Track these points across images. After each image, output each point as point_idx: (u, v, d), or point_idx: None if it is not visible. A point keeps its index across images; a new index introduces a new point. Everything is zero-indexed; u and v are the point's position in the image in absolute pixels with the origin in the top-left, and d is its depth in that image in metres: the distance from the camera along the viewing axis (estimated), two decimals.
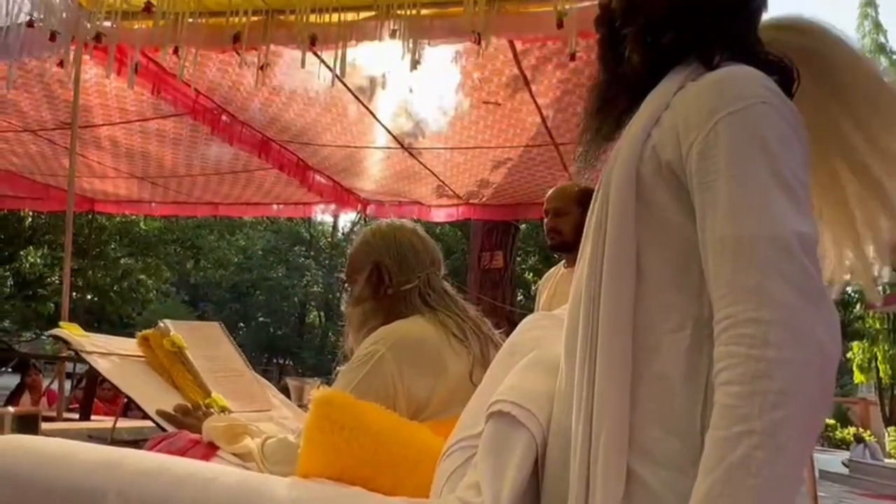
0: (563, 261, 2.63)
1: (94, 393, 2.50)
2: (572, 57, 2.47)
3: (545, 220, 2.56)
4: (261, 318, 24.74)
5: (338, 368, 1.44)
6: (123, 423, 1.63)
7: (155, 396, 1.55)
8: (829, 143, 0.89)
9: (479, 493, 0.81)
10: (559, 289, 2.56)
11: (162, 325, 1.71)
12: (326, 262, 27.01)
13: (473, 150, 4.30)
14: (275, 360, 24.38)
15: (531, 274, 14.92)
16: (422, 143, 4.23)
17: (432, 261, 1.49)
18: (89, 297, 12.40)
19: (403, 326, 1.35)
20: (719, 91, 0.77)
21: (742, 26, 0.87)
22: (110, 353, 1.63)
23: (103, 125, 4.21)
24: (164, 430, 1.43)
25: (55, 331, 1.65)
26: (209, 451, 1.29)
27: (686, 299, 0.76)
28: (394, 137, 4.13)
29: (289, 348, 25.14)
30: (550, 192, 2.62)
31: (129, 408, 5.38)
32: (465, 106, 3.69)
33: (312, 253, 27.00)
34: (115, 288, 16.67)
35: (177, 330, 1.70)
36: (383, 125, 3.95)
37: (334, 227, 28.92)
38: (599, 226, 0.80)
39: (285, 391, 2.06)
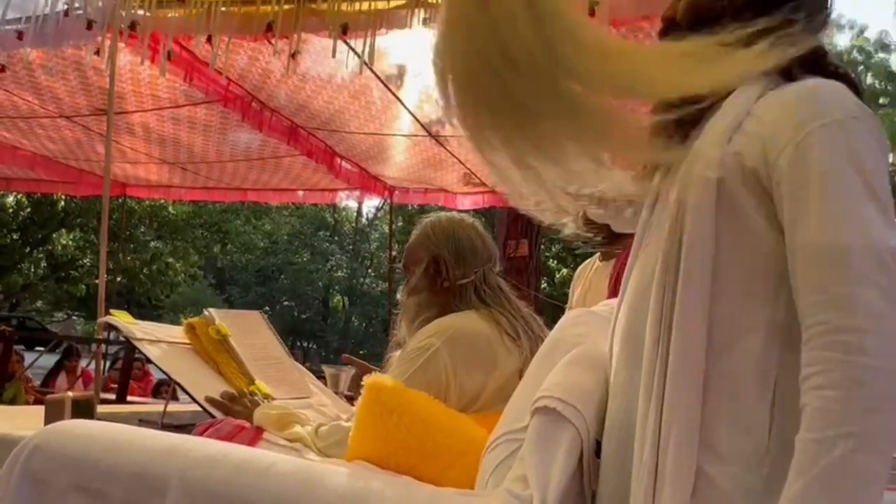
0: (598, 253, 2.62)
1: (129, 374, 2.57)
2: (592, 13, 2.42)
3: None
4: (285, 302, 25.03)
5: (390, 355, 1.47)
6: (170, 408, 1.68)
7: (202, 383, 1.59)
8: None
9: (526, 485, 0.83)
10: (594, 282, 2.54)
11: (207, 313, 1.75)
12: (350, 247, 27.18)
13: None
14: (299, 344, 24.66)
15: (555, 262, 14.88)
16: (448, 130, 4.22)
17: (489, 257, 1.51)
18: (119, 279, 12.64)
19: (459, 321, 1.37)
20: (811, 103, 0.78)
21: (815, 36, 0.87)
22: (159, 341, 1.67)
23: (136, 112, 4.27)
24: (211, 415, 1.47)
25: (107, 318, 1.69)
26: (256, 435, 1.33)
27: (760, 302, 0.77)
28: (421, 125, 4.14)
29: (313, 332, 25.43)
30: None
31: (158, 392, 5.46)
32: None
33: (336, 238, 27.18)
34: (144, 271, 16.98)
35: (221, 319, 1.74)
36: (410, 112, 3.95)
37: (358, 212, 29.05)
38: (674, 229, 0.80)
39: (320, 377, 2.09)
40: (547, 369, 0.96)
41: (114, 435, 0.99)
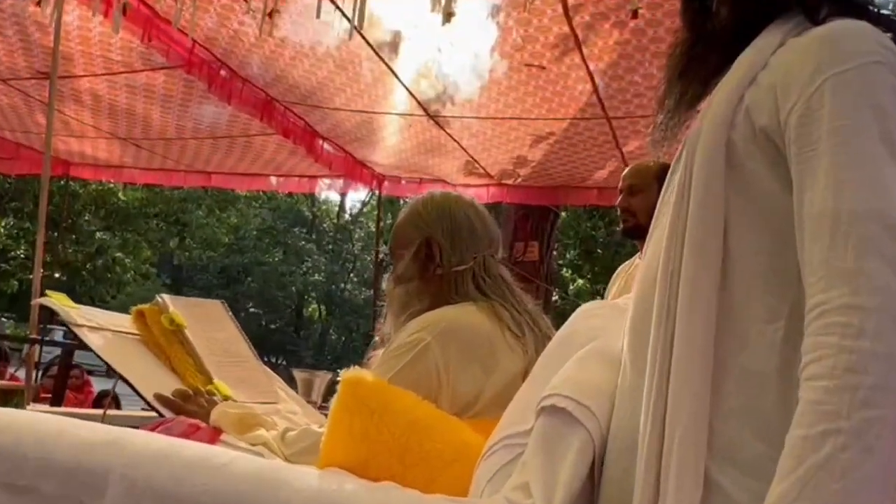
0: (638, 253, 2.65)
1: (66, 380, 2.56)
2: (634, 14, 2.46)
3: (618, 201, 2.59)
4: (252, 309, 25.01)
5: (371, 353, 1.47)
6: (114, 414, 1.69)
7: (151, 379, 1.60)
8: None
9: (527, 494, 0.83)
10: (630, 282, 2.58)
11: (160, 299, 1.75)
12: (330, 246, 27.21)
13: (510, 121, 4.30)
14: (266, 358, 24.61)
15: (569, 271, 14.89)
16: (450, 110, 4.24)
17: (490, 241, 1.51)
18: (57, 275, 12.62)
19: (453, 313, 1.37)
20: (826, 47, 0.77)
21: None
22: (102, 328, 1.68)
23: (84, 76, 4.27)
24: (160, 415, 1.48)
25: (42, 299, 1.70)
26: (212, 437, 1.35)
27: (782, 284, 0.77)
28: (417, 103, 4.14)
29: (283, 345, 25.42)
30: (627, 169, 2.64)
31: (99, 405, 5.43)
32: (502, 69, 3.68)
33: (314, 236, 27.20)
34: (87, 266, 16.95)
35: (175, 306, 1.74)
36: (406, 87, 3.96)
37: (341, 206, 29.11)
38: (681, 199, 0.81)
39: (291, 384, 2.10)
40: (556, 366, 0.96)
41: (46, 426, 0.99)
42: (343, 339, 26.97)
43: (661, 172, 2.52)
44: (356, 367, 1.21)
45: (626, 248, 14.27)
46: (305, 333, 27.18)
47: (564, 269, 14.66)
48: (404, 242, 1.51)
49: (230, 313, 1.96)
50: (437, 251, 1.46)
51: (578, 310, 1.13)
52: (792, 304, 0.77)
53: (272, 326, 25.60)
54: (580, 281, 14.91)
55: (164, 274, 25.39)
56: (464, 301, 1.42)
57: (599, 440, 0.86)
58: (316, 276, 26.45)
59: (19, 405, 1.49)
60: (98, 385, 6.36)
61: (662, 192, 0.91)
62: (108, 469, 0.89)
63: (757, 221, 0.78)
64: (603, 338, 1.00)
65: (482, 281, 1.45)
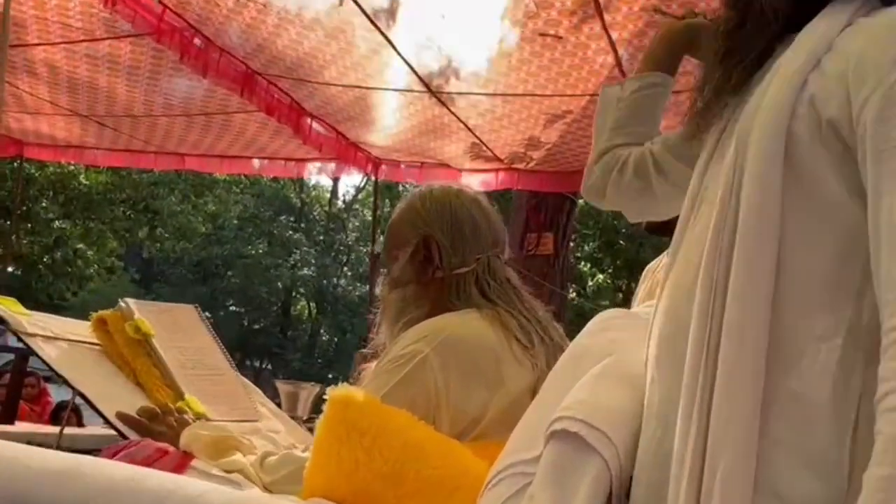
0: (668, 250, 2.66)
1: (19, 392, 2.56)
2: None
3: None
4: (232, 307, 25.11)
5: (363, 367, 1.47)
6: (72, 432, 1.69)
7: (113, 395, 1.60)
8: None
9: None
10: (656, 287, 2.58)
11: (123, 304, 1.76)
12: (321, 237, 27.24)
13: (522, 97, 4.28)
14: (249, 362, 24.75)
15: (588, 265, 14.90)
16: (454, 86, 4.23)
17: (495, 241, 1.52)
18: (10, 269, 12.65)
19: (454, 322, 1.37)
20: None
21: None
22: (57, 338, 1.68)
23: (39, 45, 4.26)
24: (123, 437, 1.48)
25: None
26: (181, 462, 1.34)
27: (841, 299, 0.77)
28: (418, 78, 4.13)
29: (268, 347, 25.51)
30: None
31: (58, 418, 5.45)
32: (512, 39, 3.67)
33: (303, 225, 27.23)
34: (44, 259, 16.98)
35: (141, 312, 1.74)
36: (405, 60, 3.95)
37: (333, 192, 29.14)
38: (729, 198, 0.80)
39: (273, 398, 2.11)
40: (568, 384, 0.96)
41: None
42: (335, 340, 27.02)
43: None
44: (344, 383, 1.21)
45: (651, 239, 14.29)
46: (293, 334, 27.24)
47: (583, 263, 14.67)
48: (400, 242, 1.52)
49: (205, 320, 1.97)
50: (437, 252, 1.47)
51: (593, 320, 1.12)
52: (850, 322, 0.77)
53: (255, 327, 25.67)
54: (600, 276, 14.92)
55: (133, 268, 25.49)
56: (466, 307, 1.42)
57: (617, 469, 0.86)
58: (305, 271, 26.48)
59: None
60: (56, 395, 6.39)
61: (693, 186, 0.90)
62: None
63: (816, 227, 0.78)
64: (620, 352, 1.00)
65: (486, 285, 1.46)
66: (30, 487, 0.91)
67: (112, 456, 1.31)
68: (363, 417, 1.07)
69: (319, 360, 26.05)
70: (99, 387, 1.60)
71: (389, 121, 5.00)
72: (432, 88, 4.27)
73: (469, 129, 4.82)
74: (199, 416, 1.64)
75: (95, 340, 1.75)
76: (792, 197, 0.78)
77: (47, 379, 6.45)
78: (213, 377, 1.84)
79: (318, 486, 1.07)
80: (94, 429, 2.19)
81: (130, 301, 1.77)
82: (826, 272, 0.78)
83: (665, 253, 2.69)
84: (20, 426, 2.76)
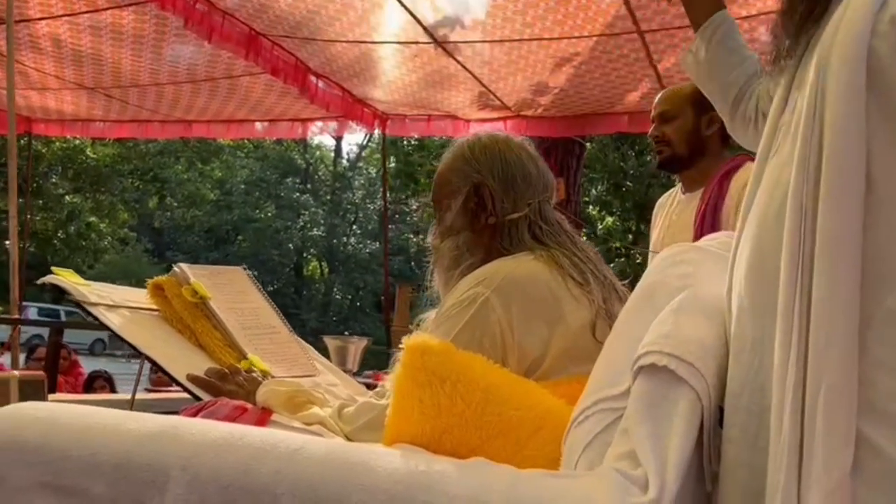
0: (678, 185, 2.65)
1: (57, 365, 2.59)
2: None
3: (650, 130, 2.58)
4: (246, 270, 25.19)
5: (423, 316, 1.48)
6: (140, 397, 1.71)
7: (180, 358, 1.61)
8: None
9: (636, 463, 0.84)
10: (675, 219, 2.58)
11: (178, 269, 1.76)
12: (328, 197, 27.23)
13: (528, 42, 4.23)
14: None
15: (597, 208, 14.86)
16: (459, 34, 4.17)
17: (545, 185, 1.52)
18: (26, 245, 12.70)
19: (509, 265, 1.38)
20: None
21: None
22: (118, 306, 1.69)
23: (42, 19, 4.23)
24: (196, 398, 1.50)
25: (49, 277, 1.70)
26: (262, 418, 1.36)
27: None
28: (423, 28, 4.08)
29: (283, 307, 25.43)
30: (658, 95, 2.65)
31: (91, 388, 5.50)
32: None
33: (310, 186, 27.22)
34: (59, 234, 17.06)
35: (196, 276, 1.75)
36: (408, 9, 3.90)
37: (337, 151, 29.04)
38: (811, 123, 0.79)
39: (322, 352, 2.13)
40: (646, 320, 0.96)
41: (86, 419, 0.99)
42: (349, 298, 27.19)
43: (696, 95, 2.50)
44: (417, 331, 1.22)
45: (659, 179, 14.18)
46: (307, 294, 27.41)
47: (591, 207, 14.63)
48: (451, 191, 1.51)
49: (254, 280, 1.99)
50: (489, 198, 1.47)
51: (660, 256, 1.12)
52: None
53: (269, 289, 25.56)
54: (609, 219, 14.88)
55: (145, 238, 25.55)
56: (519, 251, 1.43)
57: (707, 401, 0.87)
58: (314, 231, 26.56)
59: (39, 397, 1.50)
60: (87, 365, 6.46)
61: (772, 117, 0.88)
62: (166, 463, 0.90)
63: None
64: (695, 286, 0.99)
65: (539, 229, 1.46)
66: (133, 449, 0.92)
67: (192, 416, 1.32)
68: (441, 365, 1.07)
69: (335, 318, 26.22)
70: (165, 351, 1.61)
71: (394, 75, 4.95)
72: (437, 39, 4.22)
73: (476, 77, 4.77)
74: (264, 374, 1.66)
75: (154, 306, 1.77)
76: (879, 118, 0.77)
77: (76, 351, 6.53)
78: (271, 335, 1.86)
79: (402, 432, 1.08)
80: (162, 394, 2.21)
81: (184, 266, 1.77)
82: None
83: (676, 188, 2.69)
84: (93, 397, 2.80)
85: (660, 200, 2.79)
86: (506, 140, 1.53)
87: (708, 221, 2.34)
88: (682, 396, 0.86)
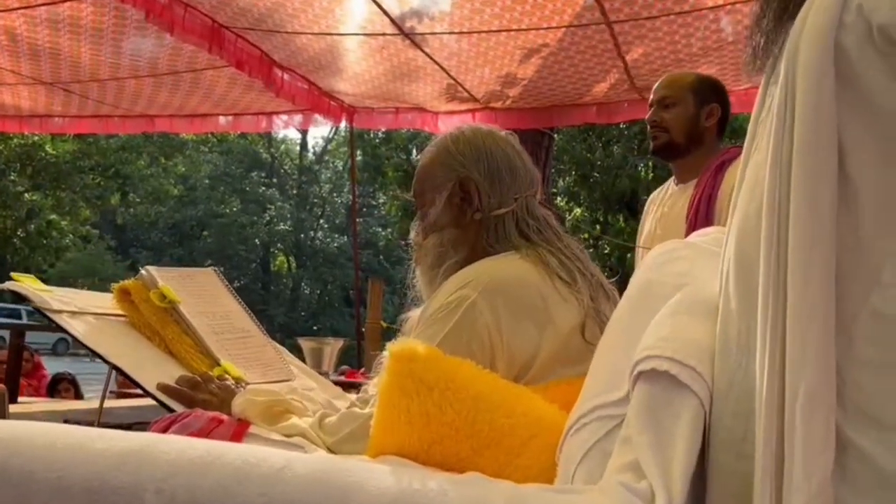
0: (672, 178, 2.64)
1: (20, 369, 2.51)
2: None
3: (648, 115, 2.57)
4: (211, 267, 25.01)
5: (405, 315, 1.44)
6: (109, 405, 1.65)
7: (148, 367, 1.56)
8: None
9: (639, 475, 0.81)
10: (667, 210, 2.57)
11: (145, 273, 1.70)
12: (294, 191, 27.06)
13: (497, 34, 4.20)
14: None
15: (565, 199, 14.92)
16: (426, 26, 4.14)
17: (531, 180, 1.50)
18: None
19: (496, 265, 1.35)
20: None
21: None
22: (83, 312, 1.63)
23: None
24: (166, 408, 1.44)
25: (8, 284, 1.63)
26: (239, 430, 1.31)
27: None
28: (390, 19, 4.04)
29: (251, 304, 25.36)
30: (660, 80, 2.65)
31: (54, 391, 5.39)
32: None
33: (276, 180, 27.02)
34: (18, 233, 16.76)
35: (164, 280, 1.69)
36: (376, 2, 3.86)
37: (302, 144, 28.86)
38: (782, 121, 0.77)
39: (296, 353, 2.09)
40: (642, 321, 0.93)
41: (51, 437, 0.93)
42: (318, 293, 27.05)
43: (698, 84, 2.52)
44: (400, 332, 1.18)
45: (626, 170, 14.28)
46: (275, 290, 27.25)
47: (559, 198, 14.68)
48: (434, 186, 1.48)
49: (226, 282, 1.93)
50: (475, 193, 1.44)
51: (653, 253, 1.09)
52: None
53: (236, 285, 25.50)
54: (578, 210, 14.95)
55: (108, 234, 25.18)
56: (506, 249, 1.40)
57: (709, 405, 0.84)
58: (281, 225, 26.39)
59: None
60: (50, 367, 6.34)
61: (754, 112, 0.87)
62: (139, 486, 0.84)
63: (880, 139, 0.75)
64: (692, 285, 0.97)
65: (526, 225, 1.43)
66: (105, 471, 0.87)
67: (165, 429, 1.27)
68: (429, 371, 1.03)
69: (303, 314, 26.09)
70: (133, 359, 1.56)
71: (360, 67, 4.91)
72: (404, 30, 4.18)
73: (444, 69, 4.74)
74: (238, 381, 1.61)
75: (120, 312, 1.71)
76: (850, 114, 0.75)
77: (36, 351, 6.41)
78: (244, 340, 1.81)
79: (388, 443, 1.04)
80: (130, 401, 2.16)
81: (152, 268, 1.71)
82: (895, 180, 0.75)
83: (669, 182, 2.69)
84: (23, 403, 2.72)
85: (651, 195, 2.79)
86: (490, 133, 1.50)
87: (702, 212, 2.34)
88: (685, 403, 0.83)
